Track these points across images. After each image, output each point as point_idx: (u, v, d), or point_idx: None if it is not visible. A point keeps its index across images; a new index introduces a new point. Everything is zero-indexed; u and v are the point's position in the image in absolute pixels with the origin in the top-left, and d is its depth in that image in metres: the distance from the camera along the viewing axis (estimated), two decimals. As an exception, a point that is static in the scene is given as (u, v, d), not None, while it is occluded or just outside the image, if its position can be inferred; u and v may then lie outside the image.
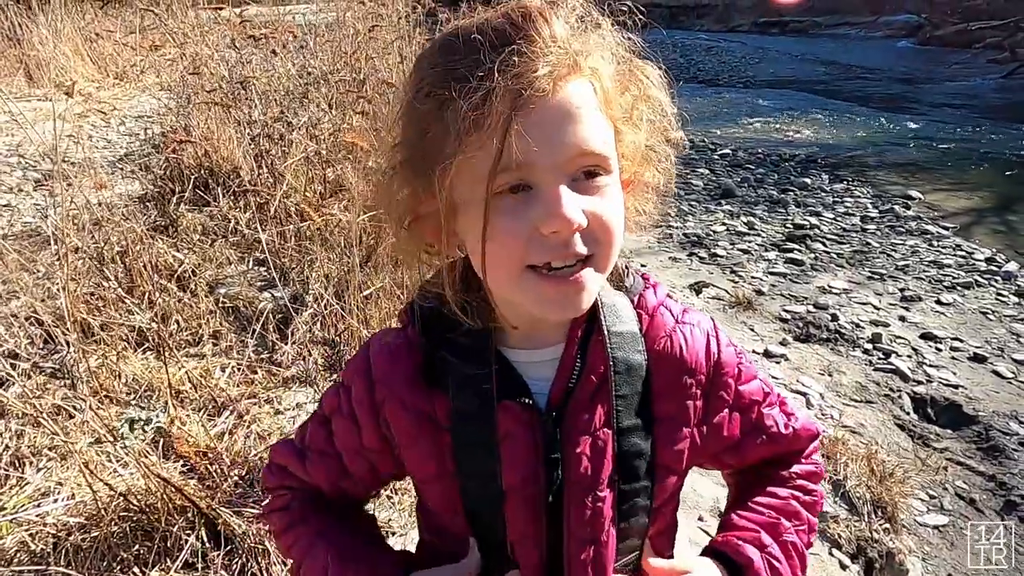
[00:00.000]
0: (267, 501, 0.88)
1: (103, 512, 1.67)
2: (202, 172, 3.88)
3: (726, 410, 0.79)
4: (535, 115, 0.61)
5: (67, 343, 2.12)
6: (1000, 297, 4.21)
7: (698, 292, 4.07)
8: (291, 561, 0.84)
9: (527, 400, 0.72)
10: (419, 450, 0.76)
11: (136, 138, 5.34)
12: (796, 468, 0.85)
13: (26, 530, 1.69)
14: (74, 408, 1.96)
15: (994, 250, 4.97)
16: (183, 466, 1.87)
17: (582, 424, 0.73)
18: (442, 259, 0.75)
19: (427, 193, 0.68)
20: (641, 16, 0.74)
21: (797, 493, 0.83)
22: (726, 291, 4.11)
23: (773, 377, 3.21)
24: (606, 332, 0.73)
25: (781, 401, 0.85)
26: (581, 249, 0.64)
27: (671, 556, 0.83)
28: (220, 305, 2.80)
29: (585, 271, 0.66)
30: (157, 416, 1.59)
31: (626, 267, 0.80)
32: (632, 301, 0.78)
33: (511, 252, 0.65)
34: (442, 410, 0.74)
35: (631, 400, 0.74)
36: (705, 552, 0.82)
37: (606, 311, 0.74)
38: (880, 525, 2.23)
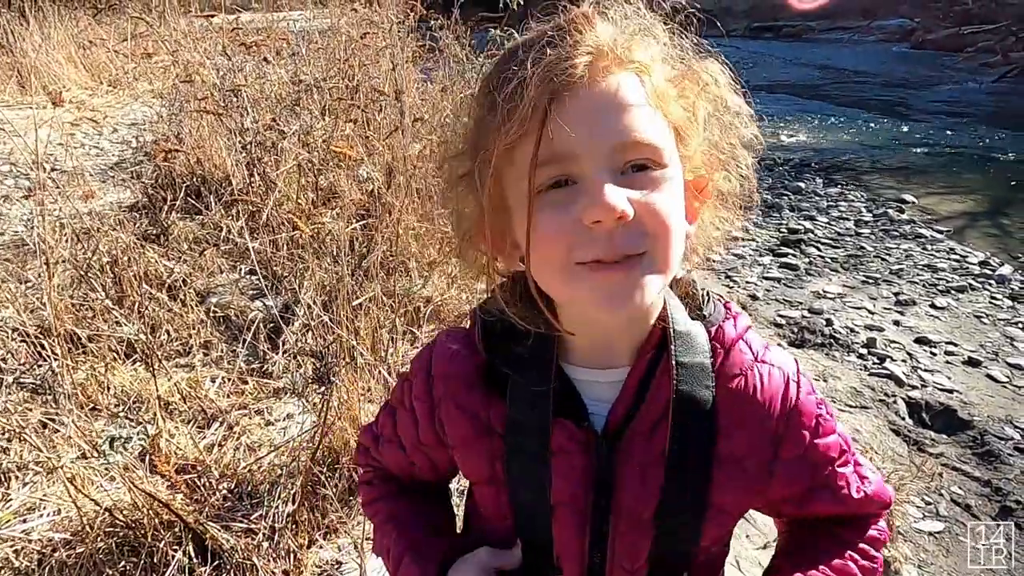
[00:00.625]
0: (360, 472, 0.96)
1: (88, 528, 1.65)
2: (194, 180, 3.86)
3: (796, 461, 0.74)
4: (574, 104, 0.60)
5: (53, 355, 2.09)
6: (994, 301, 4.21)
7: (692, 298, 4.06)
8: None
9: (584, 421, 0.71)
10: (472, 453, 0.76)
11: (128, 146, 5.33)
12: (860, 532, 0.80)
13: (10, 546, 1.66)
14: (60, 422, 1.93)
15: (987, 253, 4.98)
16: (170, 480, 1.84)
17: (638, 454, 0.71)
18: (489, 268, 0.73)
19: (476, 210, 0.69)
20: (698, 16, 0.72)
21: (856, 556, 0.78)
22: (721, 296, 4.10)
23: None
24: (674, 363, 0.70)
25: (856, 461, 0.79)
26: (629, 241, 0.61)
27: None
28: (211, 315, 2.78)
29: (638, 263, 0.62)
30: (138, 434, 1.57)
31: (707, 294, 0.77)
32: (709, 332, 0.74)
33: (557, 248, 0.63)
34: (497, 416, 0.73)
35: (692, 436, 0.70)
36: None
37: (678, 341, 0.71)
38: (875, 533, 2.22)
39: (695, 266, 0.80)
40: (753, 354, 0.73)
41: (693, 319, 0.74)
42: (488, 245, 0.70)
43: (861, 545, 0.78)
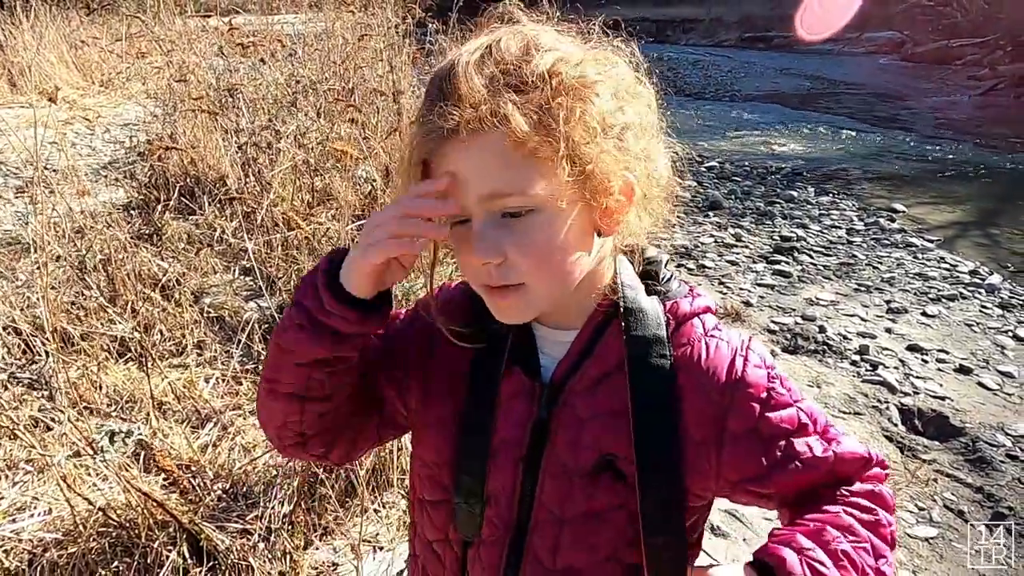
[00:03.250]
0: None
1: (81, 527, 1.63)
2: (187, 180, 3.83)
3: (747, 435, 0.74)
4: (448, 159, 0.69)
5: (46, 353, 2.07)
6: (984, 309, 4.25)
7: (687, 303, 4.07)
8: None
9: (531, 370, 0.79)
10: (441, 386, 0.82)
11: (121, 146, 5.29)
12: (849, 488, 0.77)
13: (0, 546, 1.64)
14: (52, 420, 1.91)
15: (977, 263, 5.03)
16: (165, 480, 1.82)
17: (578, 406, 0.76)
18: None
19: None
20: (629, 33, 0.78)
21: (850, 509, 0.74)
22: (715, 303, 4.12)
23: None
24: (625, 335, 0.75)
25: (824, 431, 0.78)
26: (503, 277, 0.71)
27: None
28: (204, 315, 2.76)
29: (516, 292, 0.72)
30: (139, 429, 1.54)
31: (672, 274, 0.82)
32: (664, 306, 0.78)
33: (468, 275, 0.75)
34: (470, 361, 0.82)
35: (651, 403, 0.74)
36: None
37: (629, 316, 0.76)
38: (871, 538, 2.22)
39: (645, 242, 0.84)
40: (704, 330, 0.78)
41: (650, 294, 0.79)
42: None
43: (854, 499, 0.75)
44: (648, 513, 0.74)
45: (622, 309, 0.76)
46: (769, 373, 0.76)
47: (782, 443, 0.75)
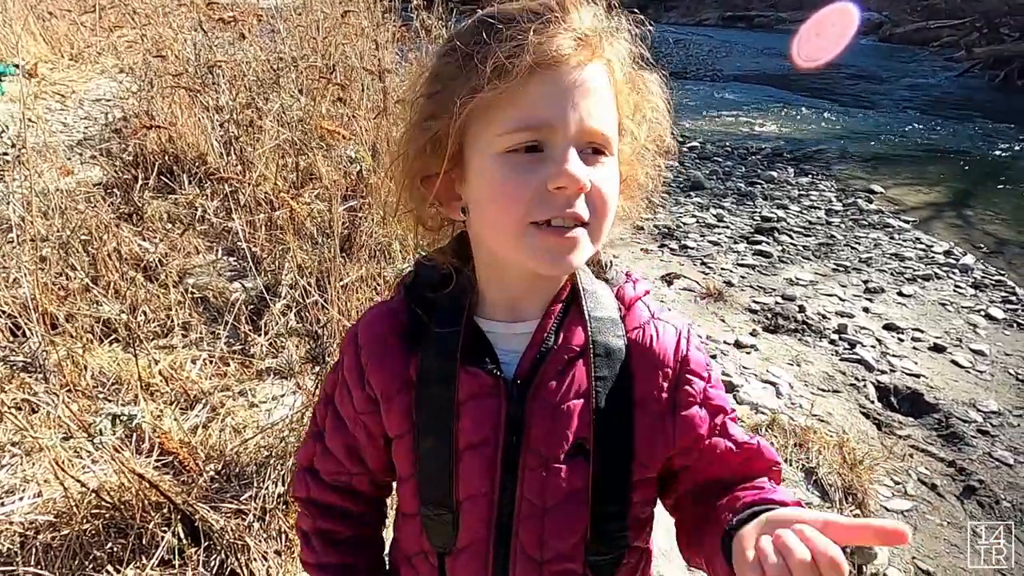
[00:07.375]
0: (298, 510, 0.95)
1: (74, 509, 1.62)
2: (166, 159, 3.75)
3: (694, 406, 0.79)
4: (556, 80, 0.68)
5: (32, 333, 2.04)
6: (958, 289, 4.36)
7: (669, 283, 4.12)
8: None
9: (492, 367, 0.76)
10: (393, 406, 0.79)
11: (95, 122, 5.15)
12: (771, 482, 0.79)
13: (-9, 529, 1.63)
14: (41, 403, 1.89)
15: (952, 243, 5.14)
16: (157, 461, 1.82)
17: (547, 396, 0.76)
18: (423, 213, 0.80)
19: (435, 154, 0.73)
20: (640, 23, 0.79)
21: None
22: (697, 282, 4.17)
23: (744, 367, 3.27)
24: (587, 315, 0.77)
25: (735, 418, 0.85)
26: (581, 210, 0.68)
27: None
28: (189, 295, 2.72)
29: (580, 231, 0.70)
30: (141, 412, 1.54)
31: (610, 261, 0.84)
32: (612, 291, 0.82)
33: (517, 207, 0.68)
34: (415, 368, 0.78)
35: (610, 382, 0.76)
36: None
37: (587, 297, 0.78)
38: (851, 511, 2.30)
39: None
40: (650, 312, 0.82)
41: (598, 279, 0.82)
42: (431, 193, 0.75)
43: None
44: (603, 486, 0.77)
45: (583, 291, 0.78)
46: (707, 359, 0.83)
47: (719, 419, 0.81)
